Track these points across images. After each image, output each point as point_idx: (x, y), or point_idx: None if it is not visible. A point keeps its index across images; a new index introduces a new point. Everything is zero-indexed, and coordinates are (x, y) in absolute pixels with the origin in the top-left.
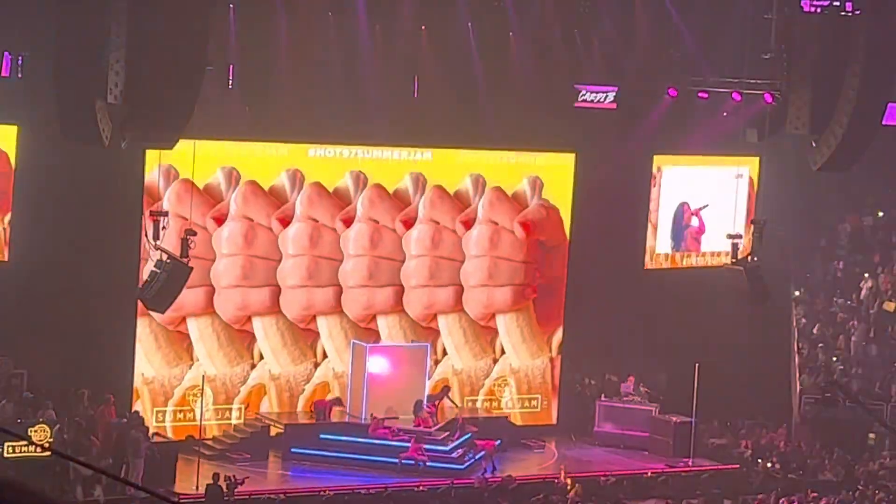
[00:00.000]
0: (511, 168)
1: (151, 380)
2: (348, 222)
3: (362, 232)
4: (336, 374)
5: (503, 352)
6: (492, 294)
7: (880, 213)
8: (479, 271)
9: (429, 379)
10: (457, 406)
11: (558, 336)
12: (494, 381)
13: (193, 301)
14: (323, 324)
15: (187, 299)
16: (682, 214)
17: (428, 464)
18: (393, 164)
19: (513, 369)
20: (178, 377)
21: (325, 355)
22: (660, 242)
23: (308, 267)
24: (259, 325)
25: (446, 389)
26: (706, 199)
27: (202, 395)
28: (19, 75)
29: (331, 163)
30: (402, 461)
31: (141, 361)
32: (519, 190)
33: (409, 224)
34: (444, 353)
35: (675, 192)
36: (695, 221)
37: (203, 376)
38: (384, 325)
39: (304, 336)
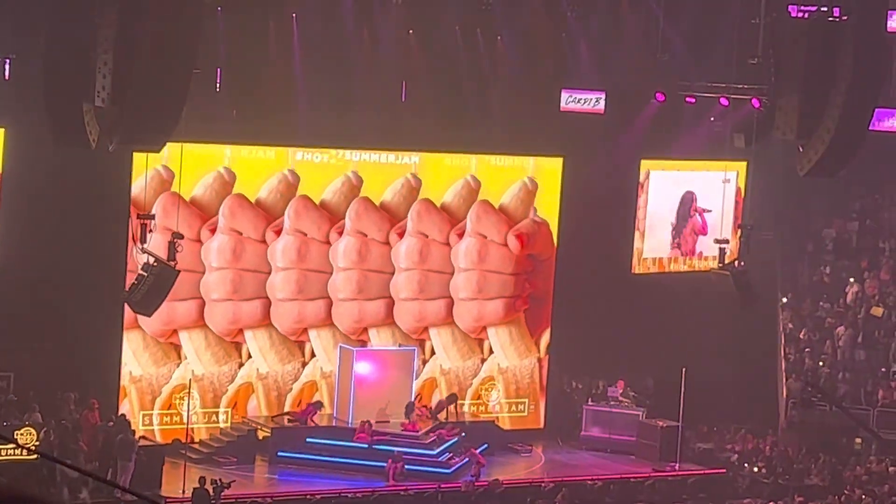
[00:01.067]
0: (498, 172)
1: (139, 378)
2: (340, 232)
3: (350, 245)
4: (324, 373)
5: (491, 351)
6: (482, 307)
7: (868, 222)
8: (469, 285)
9: (416, 379)
10: (446, 416)
11: (546, 337)
12: (482, 381)
13: (185, 313)
14: (314, 336)
15: (178, 311)
16: (689, 203)
17: (406, 467)
18: (380, 168)
19: (501, 369)
20: (166, 376)
21: (312, 354)
22: (647, 246)
23: (298, 280)
24: (250, 333)
25: (454, 397)
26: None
27: (189, 398)
28: (7, 77)
29: (317, 166)
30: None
31: (129, 360)
32: (505, 202)
33: (400, 235)
34: (432, 352)
35: (662, 197)
36: (698, 218)
37: (190, 380)
38: (375, 337)
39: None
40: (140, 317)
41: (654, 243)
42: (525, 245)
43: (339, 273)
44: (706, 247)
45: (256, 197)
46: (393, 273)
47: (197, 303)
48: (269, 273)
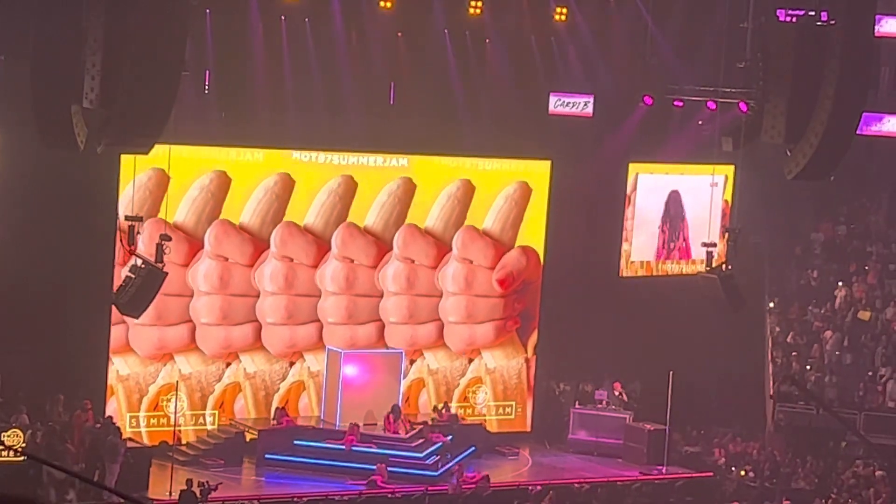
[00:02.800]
0: (488, 176)
1: (126, 377)
2: (324, 262)
3: (338, 270)
4: (311, 373)
5: (479, 351)
6: (472, 330)
7: (854, 226)
8: (458, 309)
9: (403, 378)
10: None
11: (534, 338)
12: (469, 381)
13: (176, 337)
14: (309, 358)
15: (169, 335)
16: (678, 201)
17: (394, 470)
18: (369, 171)
19: (488, 369)
20: (154, 374)
21: (300, 354)
22: (635, 249)
23: (287, 306)
24: (246, 357)
25: (455, 418)
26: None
27: (176, 399)
28: None
29: (307, 167)
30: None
31: (116, 358)
32: (490, 223)
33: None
34: (420, 352)
35: (650, 200)
36: (688, 222)
37: (178, 381)
38: None
39: None
40: (132, 340)
41: (641, 246)
42: (509, 286)
43: (328, 297)
44: (695, 243)
45: (248, 201)
46: (381, 296)
47: (188, 326)
48: (258, 297)
